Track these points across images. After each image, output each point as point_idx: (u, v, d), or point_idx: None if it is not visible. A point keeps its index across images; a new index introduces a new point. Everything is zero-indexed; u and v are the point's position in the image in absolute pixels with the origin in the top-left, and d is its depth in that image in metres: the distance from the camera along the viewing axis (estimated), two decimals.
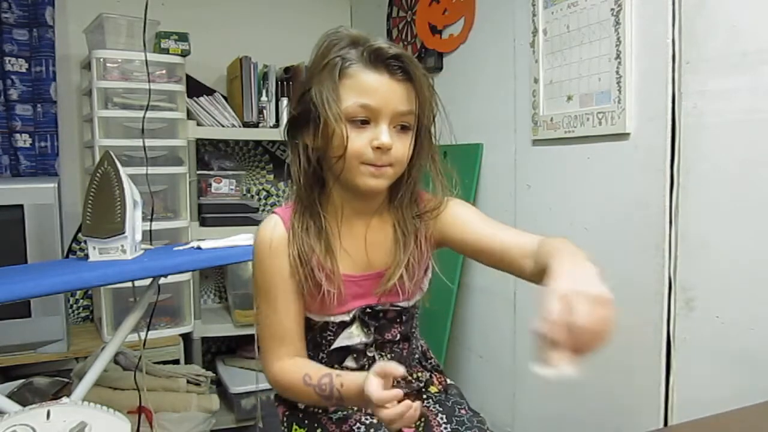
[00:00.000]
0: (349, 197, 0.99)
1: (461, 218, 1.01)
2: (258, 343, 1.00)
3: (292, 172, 0.98)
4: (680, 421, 1.36)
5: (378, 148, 0.90)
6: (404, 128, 0.93)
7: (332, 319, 1.00)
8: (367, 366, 1.01)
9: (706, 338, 1.30)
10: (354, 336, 1.01)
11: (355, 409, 1.04)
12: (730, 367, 1.26)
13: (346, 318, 1.00)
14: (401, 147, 0.93)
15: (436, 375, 1.14)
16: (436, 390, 1.11)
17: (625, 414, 1.50)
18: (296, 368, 0.96)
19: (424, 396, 1.09)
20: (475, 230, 0.99)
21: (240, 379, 2.39)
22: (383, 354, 1.04)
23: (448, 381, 1.14)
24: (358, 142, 0.91)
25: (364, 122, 0.91)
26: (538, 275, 0.83)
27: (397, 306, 1.03)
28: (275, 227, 0.99)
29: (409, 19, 2.45)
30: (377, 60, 0.91)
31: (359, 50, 0.91)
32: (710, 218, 1.30)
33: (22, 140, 2.35)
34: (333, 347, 1.02)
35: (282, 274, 0.97)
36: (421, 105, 0.94)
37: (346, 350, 1.02)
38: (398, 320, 1.04)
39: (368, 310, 1.01)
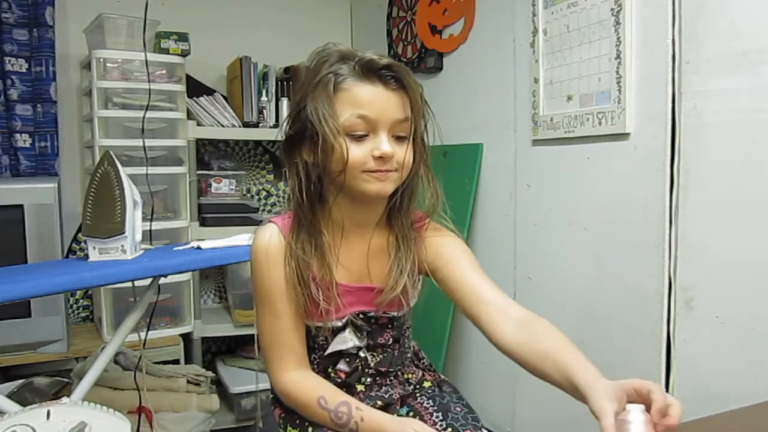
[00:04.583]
0: (351, 211, 0.99)
1: (454, 256, 1.02)
2: (261, 352, 0.99)
3: (292, 190, 0.98)
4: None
5: (380, 157, 0.91)
6: (401, 137, 0.94)
7: (326, 324, 1.00)
8: (359, 367, 1.03)
9: (706, 338, 1.30)
10: (348, 340, 1.02)
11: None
12: (730, 367, 1.26)
13: (339, 323, 1.01)
14: (402, 153, 0.94)
15: (428, 373, 1.14)
16: (430, 385, 1.11)
17: None
18: (309, 386, 0.97)
19: (418, 393, 1.10)
20: (463, 272, 1.00)
21: (240, 379, 2.39)
22: (375, 355, 1.05)
23: (442, 377, 1.15)
24: (359, 153, 0.91)
25: (363, 135, 0.92)
26: (523, 349, 0.90)
27: (389, 314, 1.04)
28: (272, 237, 0.99)
29: (409, 19, 2.45)
30: (370, 71, 0.92)
31: (350, 64, 0.93)
32: (710, 218, 1.30)
33: (22, 140, 2.35)
34: (327, 352, 1.02)
35: (280, 283, 0.97)
36: (415, 111, 0.95)
37: (339, 354, 1.03)
38: (390, 326, 1.06)
39: (361, 315, 1.02)
